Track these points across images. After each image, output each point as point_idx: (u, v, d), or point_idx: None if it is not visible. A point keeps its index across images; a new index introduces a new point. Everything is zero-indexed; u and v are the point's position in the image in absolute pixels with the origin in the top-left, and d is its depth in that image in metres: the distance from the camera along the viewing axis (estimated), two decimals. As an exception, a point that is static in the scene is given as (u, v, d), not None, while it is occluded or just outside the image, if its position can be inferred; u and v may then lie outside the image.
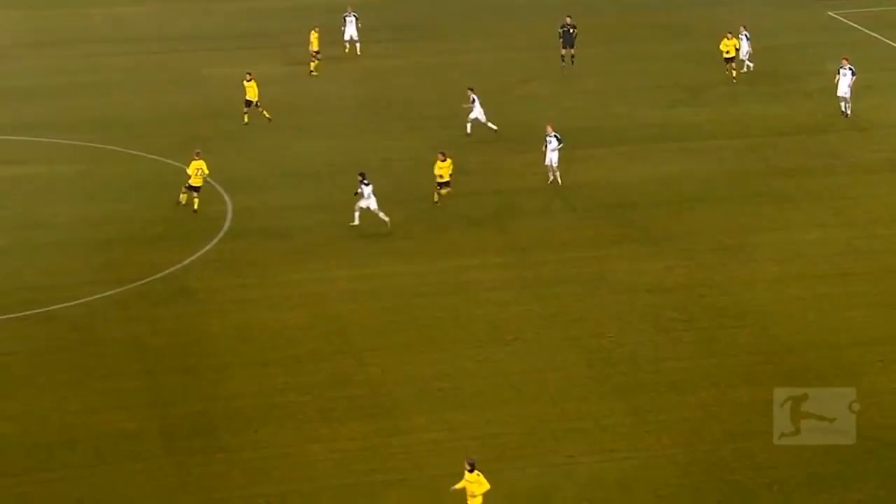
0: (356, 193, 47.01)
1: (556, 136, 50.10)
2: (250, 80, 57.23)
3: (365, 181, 46.93)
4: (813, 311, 41.74)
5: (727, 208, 49.51)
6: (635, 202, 49.99)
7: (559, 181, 48.90)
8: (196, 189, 48.57)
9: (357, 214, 47.09)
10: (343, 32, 68.04)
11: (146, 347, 39.57)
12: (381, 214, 47.03)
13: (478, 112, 55.82)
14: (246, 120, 56.76)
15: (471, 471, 30.76)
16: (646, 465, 33.94)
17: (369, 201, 46.94)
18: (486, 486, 30.62)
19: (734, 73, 61.79)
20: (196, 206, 48.68)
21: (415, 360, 38.81)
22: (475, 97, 55.97)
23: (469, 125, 55.92)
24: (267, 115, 56.74)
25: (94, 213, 48.87)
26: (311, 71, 65.00)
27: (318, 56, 65.23)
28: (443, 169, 48.55)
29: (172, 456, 34.24)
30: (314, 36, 65.41)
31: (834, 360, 38.60)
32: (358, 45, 68.17)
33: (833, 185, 51.80)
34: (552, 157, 50.02)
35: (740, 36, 64.24)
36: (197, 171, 48.41)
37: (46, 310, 41.59)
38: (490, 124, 55.46)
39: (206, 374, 38.10)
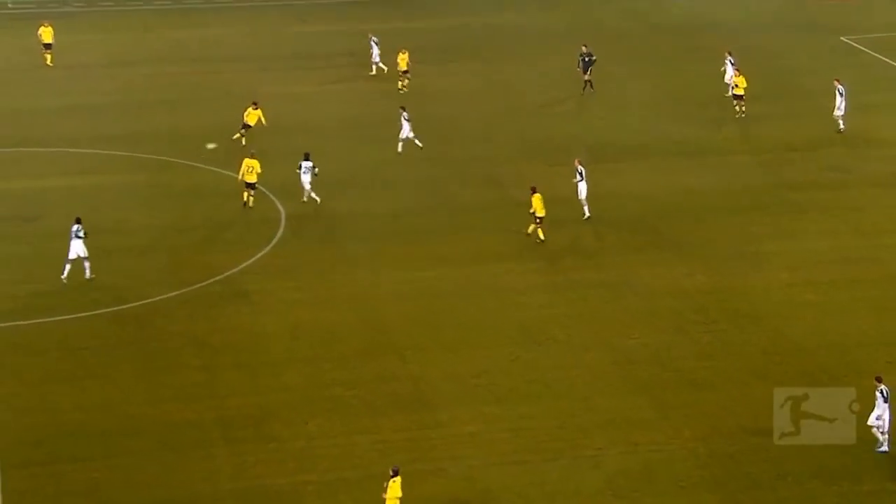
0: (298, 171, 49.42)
1: (583, 170, 48.45)
2: (256, 109, 56.51)
3: (307, 160, 49.29)
4: (824, 314, 41.33)
5: (744, 218, 49.09)
6: (658, 212, 49.63)
7: (587, 213, 48.27)
8: (251, 186, 48.94)
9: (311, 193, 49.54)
10: (371, 55, 67.94)
11: (205, 344, 39.49)
12: (313, 194, 49.27)
13: (406, 131, 55.22)
14: (242, 141, 55.96)
15: (393, 476, 30.47)
16: (668, 457, 33.62)
17: (306, 178, 49.24)
18: (399, 493, 30.33)
19: (742, 109, 60.43)
20: (251, 203, 48.99)
21: (453, 358, 38.58)
22: (406, 115, 55.31)
23: (400, 144, 55.29)
24: (242, 139, 55.70)
25: (159, 220, 48.86)
26: (400, 89, 64.48)
27: (408, 75, 64.57)
28: (537, 203, 46.15)
29: (228, 445, 34.14)
30: (402, 57, 64.87)
31: (844, 360, 38.15)
32: (382, 66, 67.46)
33: (843, 198, 51.30)
34: (581, 188, 48.36)
35: (726, 62, 63.53)
36: (249, 168, 48.78)
37: (116, 309, 41.59)
38: (417, 141, 54.92)
39: (260, 370, 37.98)
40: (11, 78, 67.61)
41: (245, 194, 49.30)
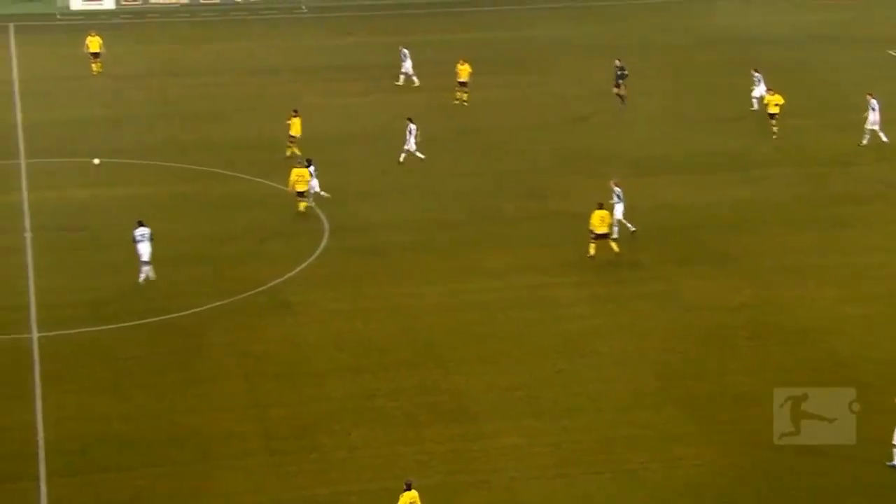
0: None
1: (619, 191, 47.81)
2: (297, 116, 56.82)
3: (310, 166, 50.08)
4: (869, 329, 40.98)
5: (788, 232, 48.80)
6: (702, 225, 49.39)
7: (631, 227, 47.95)
8: (302, 195, 49.67)
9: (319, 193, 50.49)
10: (401, 66, 68.02)
11: (248, 354, 39.58)
12: (322, 193, 50.15)
13: (411, 143, 55.33)
14: (287, 153, 56.21)
15: (406, 489, 30.37)
16: (711, 472, 33.40)
17: (312, 182, 49.97)
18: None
19: (775, 128, 59.93)
20: (304, 210, 49.70)
21: (496, 370, 38.49)
22: (414, 127, 55.30)
23: (403, 155, 55.40)
24: (297, 152, 55.85)
25: (202, 231, 49.07)
26: (456, 100, 64.36)
27: (466, 87, 64.54)
28: (601, 219, 45.40)
29: (271, 455, 34.17)
30: (462, 67, 64.70)
31: (889, 375, 37.70)
32: (414, 77, 67.90)
33: (888, 212, 50.90)
34: (618, 210, 47.46)
35: (754, 78, 63.12)
36: (298, 177, 49.49)
37: (160, 319, 41.77)
38: (419, 154, 54.83)
39: (303, 380, 38.01)
40: (58, 88, 68.20)
41: (300, 203, 49.79)
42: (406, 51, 68.64)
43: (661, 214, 50.26)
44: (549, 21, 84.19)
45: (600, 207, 45.80)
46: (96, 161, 54.62)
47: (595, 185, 51.48)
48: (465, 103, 64.43)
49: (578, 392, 37.18)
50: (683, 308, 42.51)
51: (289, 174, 50.25)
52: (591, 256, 45.69)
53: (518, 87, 68.40)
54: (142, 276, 43.79)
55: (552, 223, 49.28)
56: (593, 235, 45.73)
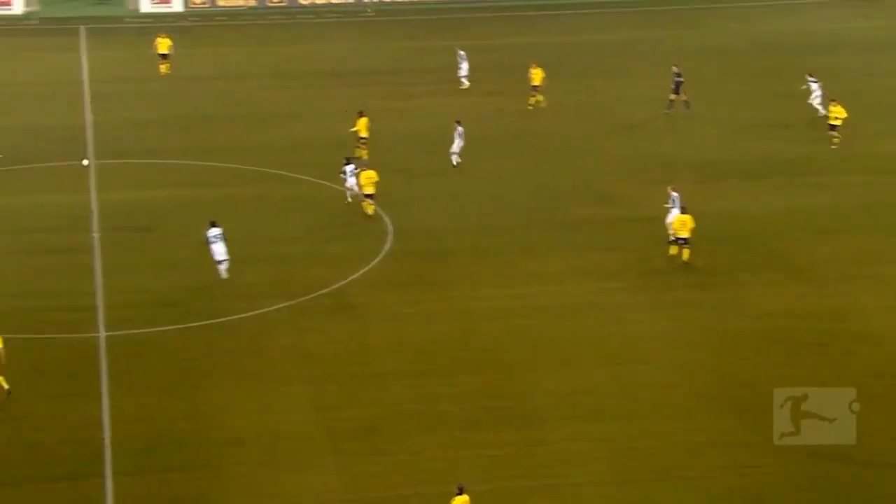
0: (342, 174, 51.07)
1: (676, 196, 47.50)
2: (362, 116, 56.97)
3: (349, 164, 50.95)
4: (939, 338, 40.52)
5: (856, 239, 48.33)
6: (770, 232, 48.99)
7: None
8: (370, 196, 49.95)
9: (348, 194, 50.96)
10: (459, 69, 68.12)
11: (313, 356, 39.74)
12: (358, 191, 50.61)
13: (456, 145, 55.51)
14: (360, 155, 56.42)
15: (459, 494, 30.28)
16: (774, 480, 33.15)
17: (352, 181, 50.60)
18: None
19: (836, 139, 59.22)
20: (371, 212, 49.98)
21: (559, 375, 38.41)
22: (461, 130, 55.50)
23: (454, 157, 55.61)
24: (364, 152, 55.98)
25: (268, 232, 49.31)
26: (530, 105, 64.42)
27: (538, 91, 64.49)
28: (683, 223, 45.48)
29: (335, 457, 34.30)
30: (535, 72, 64.70)
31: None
32: (466, 80, 68.06)
33: (961, 219, 50.35)
34: (672, 215, 46.98)
35: (809, 81, 62.50)
36: (369, 178, 49.91)
37: (225, 319, 42.04)
38: (456, 157, 54.59)
39: (367, 382, 38.12)
40: (127, 90, 68.84)
41: (367, 206, 50.15)
42: (463, 53, 68.64)
43: (728, 220, 49.88)
44: (620, 25, 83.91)
45: (683, 212, 45.75)
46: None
47: (660, 190, 51.19)
48: (542, 105, 64.25)
49: (641, 398, 37.03)
50: (747, 315, 42.19)
51: (361, 170, 50.72)
52: (672, 257, 45.71)
53: (585, 91, 68.16)
54: (223, 274, 44.31)
55: (616, 228, 49.10)
56: (673, 239, 45.69)
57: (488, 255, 47.11)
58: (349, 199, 51.35)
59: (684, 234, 45.62)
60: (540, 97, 64.57)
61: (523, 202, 52.38)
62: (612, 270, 45.66)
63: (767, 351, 39.72)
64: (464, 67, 68.41)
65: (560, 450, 34.48)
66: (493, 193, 53.23)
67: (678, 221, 45.64)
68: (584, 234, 48.94)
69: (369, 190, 50.07)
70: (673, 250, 45.83)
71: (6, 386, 36.67)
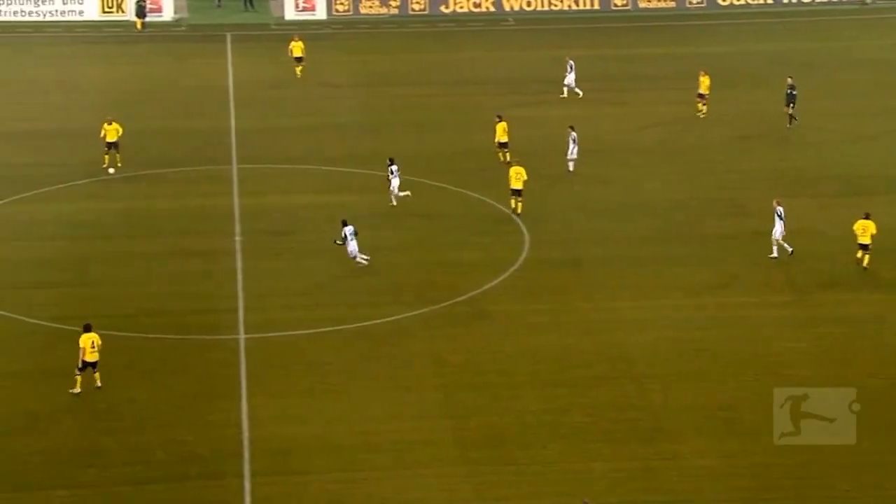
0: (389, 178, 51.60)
1: (780, 210, 46.64)
2: (501, 121, 57.07)
3: (393, 165, 51.51)
4: None
5: None
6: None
7: (788, 249, 46.62)
8: (517, 192, 50.73)
9: (392, 196, 51.61)
10: (565, 78, 67.81)
11: (446, 363, 39.75)
12: (401, 193, 51.36)
13: (572, 152, 55.25)
14: (502, 159, 56.50)
15: None
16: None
17: (395, 182, 51.28)
18: None
19: None
20: (519, 209, 50.56)
21: (693, 389, 37.88)
22: (574, 136, 55.27)
23: (571, 163, 55.45)
24: (507, 159, 56.18)
25: (404, 239, 49.49)
26: (698, 112, 63.83)
27: (705, 99, 63.78)
28: (864, 229, 45.27)
29: (465, 465, 34.26)
30: (702, 80, 64.07)
31: None
32: (567, 89, 67.65)
33: None
34: (777, 230, 46.35)
35: None
36: (517, 174, 50.82)
37: (359, 325, 42.28)
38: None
39: (498, 391, 37.99)
40: (270, 96, 69.62)
41: (513, 201, 50.62)
42: (572, 62, 68.10)
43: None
44: (766, 36, 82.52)
45: (867, 217, 45.29)
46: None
47: (803, 204, 50.35)
48: (702, 114, 63.58)
49: (778, 415, 36.26)
50: (890, 333, 41.12)
51: (507, 177, 51.25)
52: (860, 259, 45.40)
53: (729, 102, 67.02)
54: (364, 262, 45.54)
55: (755, 242, 48.21)
56: (860, 244, 45.29)
57: (624, 266, 46.67)
58: (393, 202, 51.61)
59: (865, 241, 45.10)
60: (702, 107, 63.72)
61: (662, 213, 51.78)
62: (751, 284, 44.88)
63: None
64: (570, 77, 67.87)
65: (694, 465, 33.99)
66: (631, 203, 52.73)
67: (860, 226, 45.12)
68: (724, 247, 48.15)
69: (517, 185, 50.67)
70: (860, 254, 45.31)
71: (99, 383, 37.70)
